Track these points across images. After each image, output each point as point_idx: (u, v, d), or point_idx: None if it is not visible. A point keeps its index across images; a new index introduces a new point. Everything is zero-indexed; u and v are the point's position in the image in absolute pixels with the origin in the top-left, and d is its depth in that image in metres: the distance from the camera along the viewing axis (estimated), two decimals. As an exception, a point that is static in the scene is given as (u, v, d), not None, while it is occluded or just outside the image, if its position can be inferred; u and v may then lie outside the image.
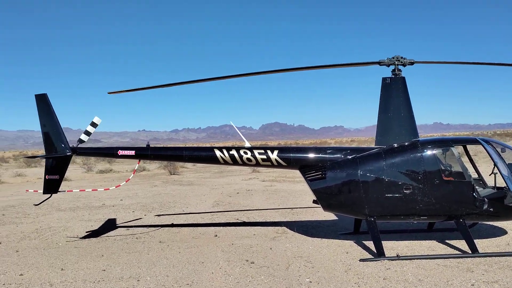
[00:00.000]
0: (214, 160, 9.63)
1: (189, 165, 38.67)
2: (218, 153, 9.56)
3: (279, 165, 9.51)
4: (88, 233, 11.21)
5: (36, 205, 11.40)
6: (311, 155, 9.33)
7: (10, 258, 8.81)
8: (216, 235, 10.45)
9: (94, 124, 10.16)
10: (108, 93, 10.26)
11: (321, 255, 8.52)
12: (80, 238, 10.61)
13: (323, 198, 8.95)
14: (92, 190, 12.65)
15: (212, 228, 11.38)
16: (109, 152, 10.44)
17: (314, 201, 9.47)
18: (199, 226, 11.75)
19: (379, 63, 9.26)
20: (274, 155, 9.43)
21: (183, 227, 11.56)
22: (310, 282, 6.99)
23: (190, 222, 12.26)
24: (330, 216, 12.26)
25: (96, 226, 12.14)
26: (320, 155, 9.28)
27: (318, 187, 8.97)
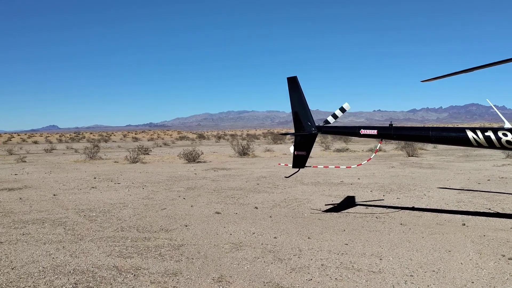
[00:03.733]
0: (465, 141, 8.78)
1: (429, 147, 36.53)
2: (470, 134, 8.66)
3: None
4: (329, 207, 11.88)
5: (287, 177, 12.70)
6: None
7: (266, 222, 10.10)
8: (464, 224, 9.57)
9: (342, 109, 10.58)
10: (421, 81, 10.19)
11: None
12: (322, 211, 11.33)
13: None
14: (335, 167, 13.29)
15: (459, 216, 10.47)
16: (352, 131, 10.73)
17: None
18: (443, 212, 10.99)
19: None
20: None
21: (425, 212, 11.02)
22: None
23: (433, 207, 11.59)
24: None
25: (336, 201, 12.75)
26: None
27: None
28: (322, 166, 13.96)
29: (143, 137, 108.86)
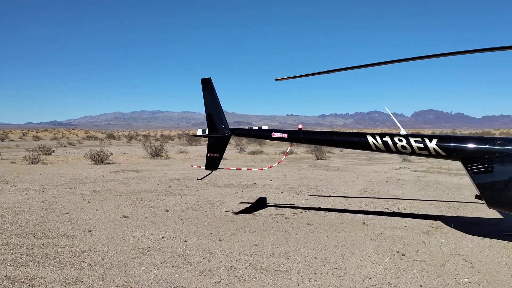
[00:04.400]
0: (365, 146, 9.40)
1: (335, 150, 38.54)
2: (370, 139, 9.29)
3: (437, 155, 8.84)
4: (241, 208, 12.02)
5: (199, 179, 12.62)
6: (476, 146, 8.44)
7: (176, 225, 9.92)
8: (364, 223, 10.23)
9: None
10: (275, 80, 10.50)
11: (483, 255, 7.70)
12: (235, 213, 11.42)
13: (488, 194, 8.05)
14: (248, 169, 13.45)
15: (360, 215, 11.17)
16: (264, 134, 10.97)
17: (476, 196, 8.60)
18: (346, 212, 11.65)
19: None
20: (432, 144, 8.79)
21: (330, 212, 11.60)
22: (469, 283, 6.39)
23: (337, 208, 12.23)
24: (494, 214, 11.04)
25: (248, 203, 12.94)
26: (486, 146, 8.34)
27: (483, 181, 8.09)
28: (235, 168, 14.09)
29: (46, 136, 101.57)
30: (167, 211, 11.59)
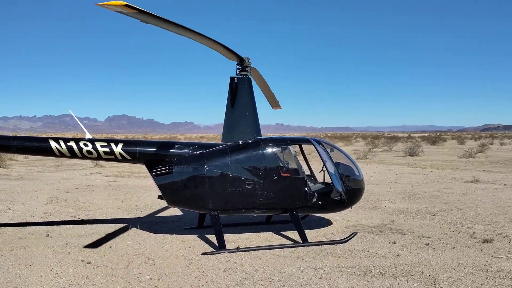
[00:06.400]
0: (48, 152, 8.73)
1: (20, 157, 34.49)
2: (53, 144, 8.68)
3: (123, 159, 9.08)
4: None
5: None
6: (158, 150, 9.12)
7: None
8: (48, 235, 9.50)
9: None
10: None
11: (163, 251, 8.41)
12: None
13: (168, 193, 8.83)
14: None
15: (44, 227, 10.31)
16: None
17: (159, 197, 9.29)
18: (28, 225, 10.53)
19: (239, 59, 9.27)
20: (118, 149, 8.96)
21: (7, 227, 10.23)
22: (150, 279, 6.82)
23: (17, 221, 10.91)
24: (176, 211, 12.22)
25: None
26: (167, 150, 9.13)
27: (163, 182, 8.81)
28: None
29: None
30: None
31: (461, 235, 9.61)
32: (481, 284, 6.60)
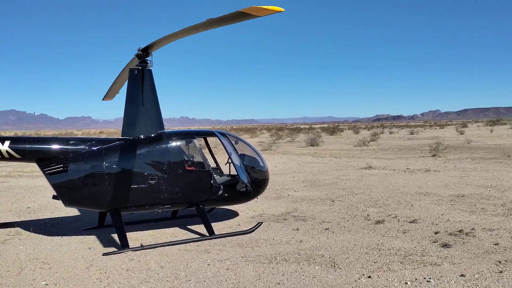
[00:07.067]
0: None
1: None
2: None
3: (11, 158, 8.30)
4: None
5: None
6: (51, 146, 8.47)
7: None
8: None
9: None
10: None
11: (61, 254, 7.86)
12: None
13: (64, 193, 8.25)
14: None
15: None
16: None
17: (54, 197, 8.65)
18: None
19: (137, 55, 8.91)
20: (5, 146, 8.16)
21: None
22: (46, 285, 6.35)
23: None
24: (74, 211, 11.51)
25: None
26: (61, 146, 8.51)
27: (58, 181, 8.22)
28: None
29: None
30: None
31: (357, 218, 10.33)
32: (374, 262, 7.16)
